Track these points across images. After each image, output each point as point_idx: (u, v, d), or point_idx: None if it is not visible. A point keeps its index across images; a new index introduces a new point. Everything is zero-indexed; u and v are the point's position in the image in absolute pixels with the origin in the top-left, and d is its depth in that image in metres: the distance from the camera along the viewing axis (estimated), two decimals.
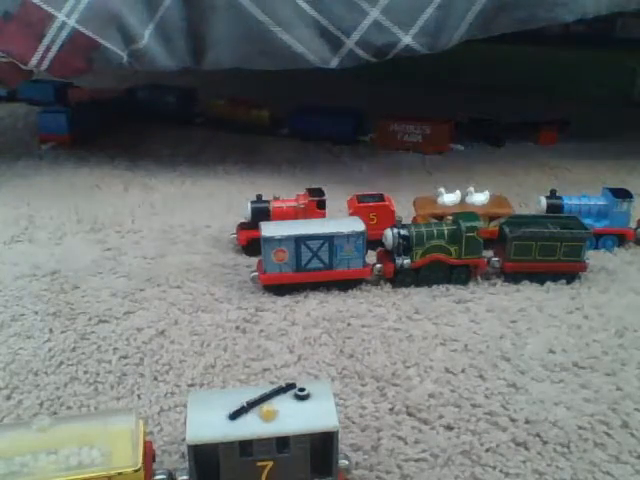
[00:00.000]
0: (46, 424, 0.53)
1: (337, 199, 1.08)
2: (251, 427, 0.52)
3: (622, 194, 1.00)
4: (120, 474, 0.50)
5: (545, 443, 0.63)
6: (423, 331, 0.81)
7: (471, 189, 1.02)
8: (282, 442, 0.52)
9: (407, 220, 1.02)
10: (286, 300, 0.88)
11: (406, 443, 0.63)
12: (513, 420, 0.66)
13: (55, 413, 0.67)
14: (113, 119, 1.62)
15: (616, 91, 1.85)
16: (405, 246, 0.89)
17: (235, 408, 0.53)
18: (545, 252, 0.90)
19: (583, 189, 1.11)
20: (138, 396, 0.70)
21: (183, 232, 1.07)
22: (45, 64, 1.07)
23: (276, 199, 1.00)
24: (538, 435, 0.64)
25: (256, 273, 0.89)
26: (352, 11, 1.08)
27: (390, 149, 1.46)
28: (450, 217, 0.94)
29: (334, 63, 1.12)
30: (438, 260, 0.90)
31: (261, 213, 0.98)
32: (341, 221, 0.91)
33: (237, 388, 0.70)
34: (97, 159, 1.41)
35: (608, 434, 0.64)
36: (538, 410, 0.67)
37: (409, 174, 1.33)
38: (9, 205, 1.17)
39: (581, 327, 0.82)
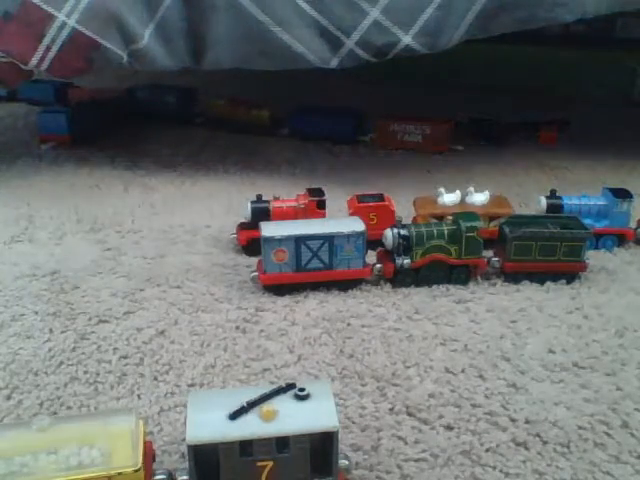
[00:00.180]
0: (46, 424, 0.53)
1: (337, 199, 1.08)
2: (251, 427, 0.52)
3: (622, 194, 1.00)
4: (120, 474, 0.50)
5: (545, 443, 0.63)
6: (423, 331, 0.81)
7: (471, 189, 1.02)
8: (282, 442, 0.52)
9: (407, 220, 1.02)
10: (286, 300, 0.88)
11: (406, 443, 0.63)
12: (513, 420, 0.66)
13: (55, 413, 0.67)
14: (113, 119, 1.62)
15: (616, 91, 1.85)
16: (405, 246, 0.89)
17: (235, 408, 0.53)
18: (545, 252, 0.90)
19: (583, 189, 1.11)
20: (138, 396, 0.70)
21: (183, 232, 1.07)
22: (45, 64, 1.07)
23: (276, 199, 1.00)
24: (538, 435, 0.64)
25: (256, 273, 0.89)
26: (352, 11, 1.08)
27: (390, 149, 1.46)
28: (450, 217, 0.94)
29: (334, 63, 1.12)
30: (438, 260, 0.90)
31: (261, 213, 0.98)
32: (341, 221, 0.91)
33: (237, 388, 0.70)
34: (97, 159, 1.41)
35: (608, 434, 0.64)
36: (538, 410, 0.67)
37: (409, 174, 1.33)
38: (9, 205, 1.17)
39: (581, 327, 0.82)
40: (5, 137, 1.57)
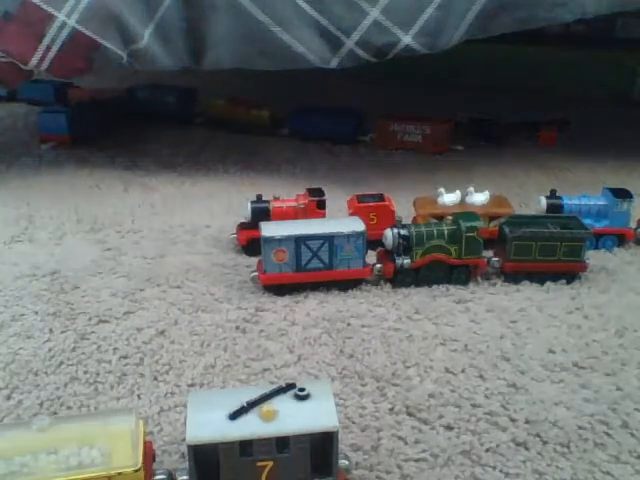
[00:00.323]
0: (46, 424, 0.53)
1: (337, 199, 1.08)
2: (251, 427, 0.52)
3: (622, 194, 1.00)
4: (120, 474, 0.50)
5: (545, 443, 0.63)
6: (423, 331, 0.81)
7: (471, 189, 1.02)
8: (282, 442, 0.52)
9: (407, 220, 1.02)
10: (286, 300, 0.87)
11: (406, 443, 0.63)
12: (513, 420, 0.66)
13: (55, 413, 0.67)
14: (113, 119, 1.62)
15: (616, 91, 1.85)
16: (405, 246, 0.89)
17: (235, 408, 0.53)
18: (545, 252, 0.90)
19: (583, 189, 1.11)
20: (138, 396, 0.69)
21: (183, 232, 1.07)
22: (45, 64, 1.07)
23: (276, 199, 1.00)
24: (538, 435, 0.64)
25: (256, 273, 0.89)
26: (352, 11, 1.08)
27: (390, 149, 1.46)
28: (450, 217, 0.94)
29: (334, 63, 1.12)
30: (438, 260, 0.90)
31: (261, 213, 0.98)
32: (341, 221, 0.91)
33: (237, 388, 0.70)
34: (97, 159, 1.41)
35: (608, 434, 0.64)
36: (538, 410, 0.67)
37: (409, 174, 1.33)
38: (9, 205, 1.17)
39: (581, 327, 0.82)
40: (5, 137, 1.57)
